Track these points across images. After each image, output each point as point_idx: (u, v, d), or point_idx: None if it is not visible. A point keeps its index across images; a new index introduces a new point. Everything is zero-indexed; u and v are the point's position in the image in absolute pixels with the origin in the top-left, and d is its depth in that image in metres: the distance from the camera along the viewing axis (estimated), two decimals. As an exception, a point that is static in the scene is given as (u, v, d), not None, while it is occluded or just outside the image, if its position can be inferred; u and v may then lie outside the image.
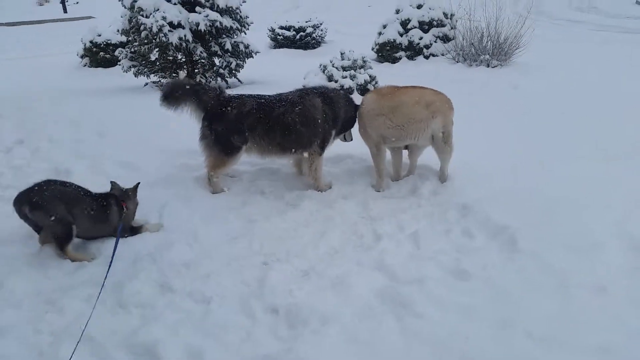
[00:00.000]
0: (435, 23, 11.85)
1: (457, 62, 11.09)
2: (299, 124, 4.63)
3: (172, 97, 4.57)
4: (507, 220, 3.98)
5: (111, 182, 4.05)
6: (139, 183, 4.13)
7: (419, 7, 12.04)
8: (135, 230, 3.97)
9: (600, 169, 4.94)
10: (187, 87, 4.62)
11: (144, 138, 5.89)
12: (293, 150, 4.78)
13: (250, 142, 4.65)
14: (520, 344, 2.85)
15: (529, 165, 5.08)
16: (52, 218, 3.49)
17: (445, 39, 11.84)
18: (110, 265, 3.36)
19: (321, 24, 15.25)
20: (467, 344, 2.80)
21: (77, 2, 29.53)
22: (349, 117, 4.96)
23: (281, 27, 15.02)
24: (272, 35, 15.11)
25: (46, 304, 3.16)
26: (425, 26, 11.87)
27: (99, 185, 4.15)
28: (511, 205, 4.21)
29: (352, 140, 5.19)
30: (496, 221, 4.00)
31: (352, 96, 5.20)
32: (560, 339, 2.86)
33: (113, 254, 3.47)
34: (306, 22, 15.12)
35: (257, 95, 4.80)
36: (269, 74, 10.46)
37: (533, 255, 3.59)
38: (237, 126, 4.56)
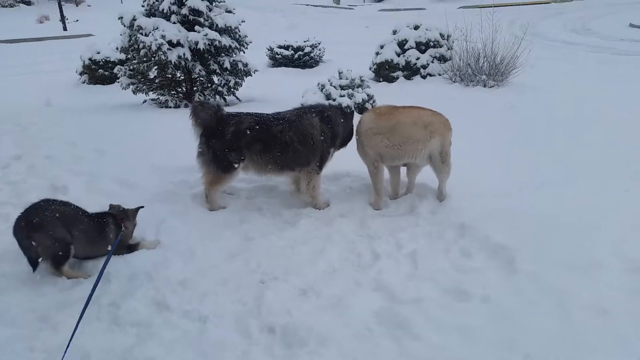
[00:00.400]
0: (432, 44, 11.99)
1: (454, 82, 11.19)
2: (296, 143, 4.64)
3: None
4: (506, 239, 3.97)
5: (110, 205, 4.03)
6: (141, 207, 4.12)
7: (416, 27, 12.20)
8: (132, 248, 3.94)
9: (597, 188, 4.95)
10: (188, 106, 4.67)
11: (142, 155, 5.88)
12: (290, 168, 4.79)
13: (247, 159, 4.66)
14: (519, 366, 2.82)
15: (526, 185, 5.10)
16: (51, 238, 3.45)
17: (442, 59, 11.97)
18: (97, 282, 3.27)
19: (319, 44, 15.40)
20: (466, 366, 2.76)
21: (77, 20, 29.74)
22: (347, 132, 5.01)
23: (280, 47, 15.17)
24: (271, 54, 15.24)
25: (40, 321, 3.11)
26: (422, 47, 12.01)
27: (95, 202, 4.14)
28: (509, 225, 4.20)
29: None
30: (495, 241, 3.98)
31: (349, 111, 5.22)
32: (560, 361, 2.83)
33: (102, 270, 3.42)
34: (304, 41, 15.28)
35: (255, 113, 4.82)
36: (267, 92, 10.52)
37: (532, 275, 3.57)
38: (234, 143, 4.57)
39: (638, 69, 12.79)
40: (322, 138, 4.74)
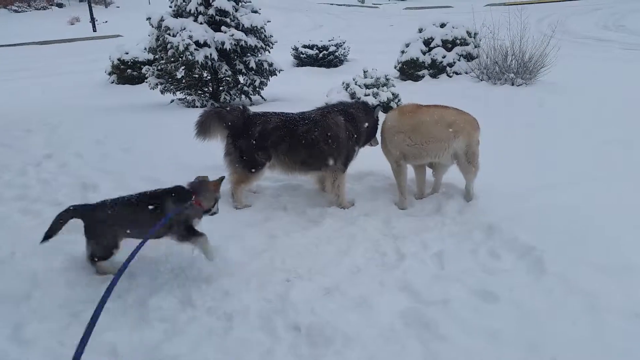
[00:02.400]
0: (458, 42, 11.83)
1: (481, 80, 11.02)
2: (322, 142, 4.65)
3: (202, 132, 4.74)
4: (534, 240, 3.88)
5: (196, 177, 3.78)
6: (222, 177, 3.90)
7: (442, 25, 12.06)
8: (193, 234, 3.67)
9: (630, 188, 4.81)
10: (212, 113, 4.76)
11: (169, 154, 5.96)
12: (317, 168, 4.80)
13: (273, 158, 4.69)
14: (548, 370, 2.76)
15: (556, 184, 4.99)
16: (100, 238, 3.47)
17: (469, 57, 11.80)
18: (121, 272, 3.18)
19: (344, 43, 15.36)
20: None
21: (106, 22, 30.38)
22: (371, 128, 4.98)
23: (304, 46, 15.18)
24: (296, 54, 15.27)
25: (70, 316, 3.17)
26: (448, 45, 11.87)
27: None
28: (538, 225, 4.12)
29: (377, 144, 5.11)
30: (523, 241, 3.90)
31: (374, 105, 5.15)
32: (589, 366, 2.76)
33: (127, 262, 3.35)
34: (329, 41, 15.26)
35: (280, 113, 4.85)
36: (292, 91, 10.54)
37: (561, 277, 3.48)
38: (261, 143, 4.61)
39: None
40: (346, 136, 4.74)
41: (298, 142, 4.65)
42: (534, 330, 3.05)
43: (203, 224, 4.32)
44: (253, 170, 4.70)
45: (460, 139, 4.51)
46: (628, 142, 6.31)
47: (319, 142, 4.66)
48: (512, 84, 10.42)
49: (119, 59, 12.91)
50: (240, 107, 4.83)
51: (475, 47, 11.85)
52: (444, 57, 11.76)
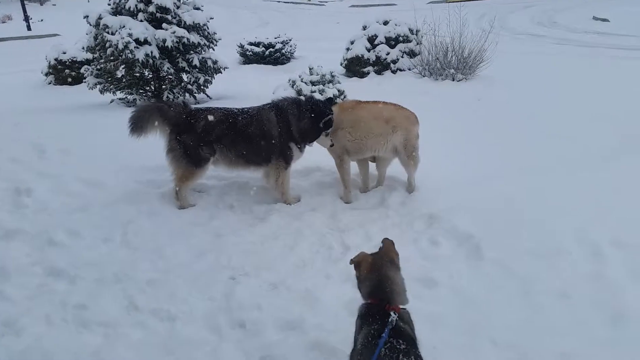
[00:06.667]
0: (401, 39, 12.07)
1: (424, 76, 11.29)
2: (257, 137, 4.66)
3: (138, 127, 4.57)
4: (473, 229, 4.05)
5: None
6: None
7: (385, 23, 12.26)
8: None
9: (561, 178, 5.06)
10: (151, 107, 4.66)
11: (109, 155, 5.77)
12: (256, 163, 4.80)
13: (217, 153, 4.67)
14: (486, 351, 2.89)
15: (493, 175, 5.19)
16: None
17: (412, 54, 12.07)
18: None
19: (290, 40, 15.34)
20: (435, 353, 2.81)
21: (42, 20, 29.00)
22: (307, 126, 4.72)
23: (250, 43, 15.05)
24: (242, 51, 15.11)
25: (4, 326, 3.04)
26: (391, 42, 12.08)
27: (61, 203, 4.04)
28: (476, 215, 4.29)
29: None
30: (462, 230, 4.06)
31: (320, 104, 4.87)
32: (524, 345, 2.92)
33: None
34: (275, 38, 15.20)
35: (222, 107, 4.84)
36: (238, 89, 10.44)
37: (498, 262, 3.65)
38: (205, 137, 4.58)
39: (601, 59, 13.12)
40: (278, 132, 4.72)
41: (238, 137, 4.64)
42: (473, 313, 3.19)
43: (147, 225, 4.26)
44: (198, 165, 4.64)
45: (398, 133, 4.64)
46: (559, 133, 6.64)
47: (255, 137, 4.66)
48: (453, 80, 10.74)
49: (56, 59, 12.36)
50: (181, 103, 4.77)
51: (418, 44, 12.12)
52: (387, 54, 11.97)
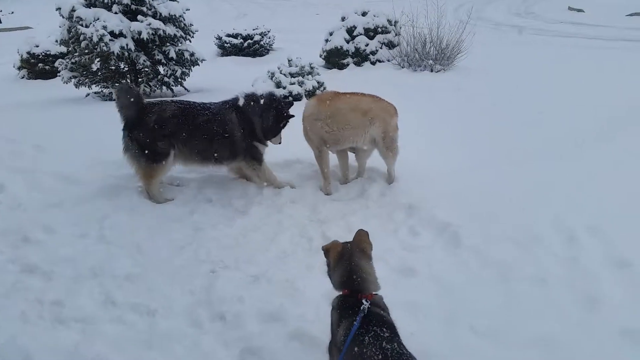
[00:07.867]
0: (380, 30, 12.08)
1: (403, 67, 11.33)
2: (216, 136, 4.60)
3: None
4: (451, 218, 4.10)
5: None
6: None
7: (364, 14, 12.26)
8: None
9: (537, 167, 5.14)
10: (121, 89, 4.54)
11: (84, 149, 5.65)
12: (214, 160, 4.74)
13: (175, 149, 4.58)
14: (464, 338, 2.93)
15: (472, 165, 5.24)
16: None
17: (390, 45, 12.09)
18: None
19: (269, 32, 15.24)
20: (412, 341, 2.82)
21: (12, 12, 28.28)
22: (270, 123, 4.73)
23: (228, 35, 14.90)
24: (220, 43, 14.96)
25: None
26: (370, 33, 12.08)
27: (35, 199, 3.95)
28: (455, 204, 4.33)
29: (279, 142, 4.96)
30: (440, 219, 4.11)
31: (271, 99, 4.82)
32: (502, 331, 2.96)
33: None
34: (253, 30, 15.07)
35: (179, 100, 4.75)
36: (217, 81, 10.32)
37: (475, 250, 3.71)
38: (160, 132, 4.46)
39: (575, 49, 13.33)
40: (240, 131, 4.67)
41: (195, 133, 4.55)
42: (452, 301, 3.23)
43: (124, 220, 4.20)
44: (158, 161, 4.51)
45: (376, 125, 4.64)
46: (537, 123, 6.73)
47: (214, 136, 4.58)
48: (432, 70, 10.81)
49: (28, 53, 12.09)
50: (137, 92, 4.58)
51: (396, 35, 12.14)
52: (366, 45, 11.97)
